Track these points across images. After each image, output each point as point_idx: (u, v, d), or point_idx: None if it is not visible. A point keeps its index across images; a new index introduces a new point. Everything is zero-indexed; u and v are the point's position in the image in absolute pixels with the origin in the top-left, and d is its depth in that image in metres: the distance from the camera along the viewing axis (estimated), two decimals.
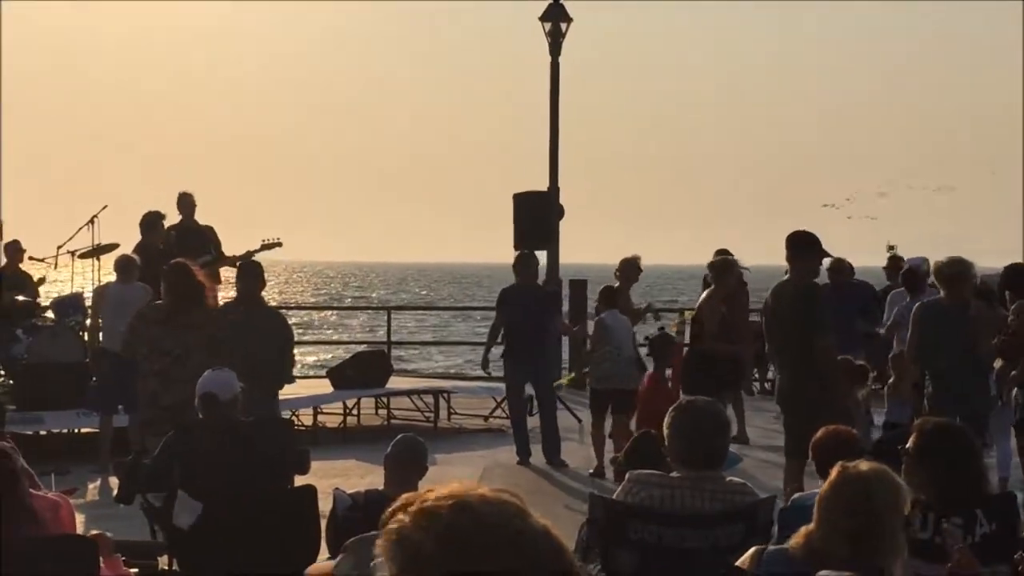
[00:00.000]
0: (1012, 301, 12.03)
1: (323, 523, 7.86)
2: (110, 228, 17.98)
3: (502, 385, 16.44)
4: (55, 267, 18.46)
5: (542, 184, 22.23)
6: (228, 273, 16.02)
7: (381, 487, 7.66)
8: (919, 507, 5.78)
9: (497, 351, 15.65)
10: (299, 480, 8.91)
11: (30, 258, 18.49)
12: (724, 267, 15.35)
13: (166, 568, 8.18)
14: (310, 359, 34.20)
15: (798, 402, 10.70)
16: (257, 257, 16.60)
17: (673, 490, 6.30)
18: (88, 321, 16.26)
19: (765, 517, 6.39)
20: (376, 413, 18.79)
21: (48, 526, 6.37)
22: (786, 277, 11.22)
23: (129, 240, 16.83)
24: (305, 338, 40.24)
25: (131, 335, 11.55)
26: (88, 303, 16.53)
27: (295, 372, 15.02)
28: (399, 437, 7.87)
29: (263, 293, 13.31)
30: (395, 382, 18.83)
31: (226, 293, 16.48)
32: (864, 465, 5.04)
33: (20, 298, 17.31)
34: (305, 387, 18.34)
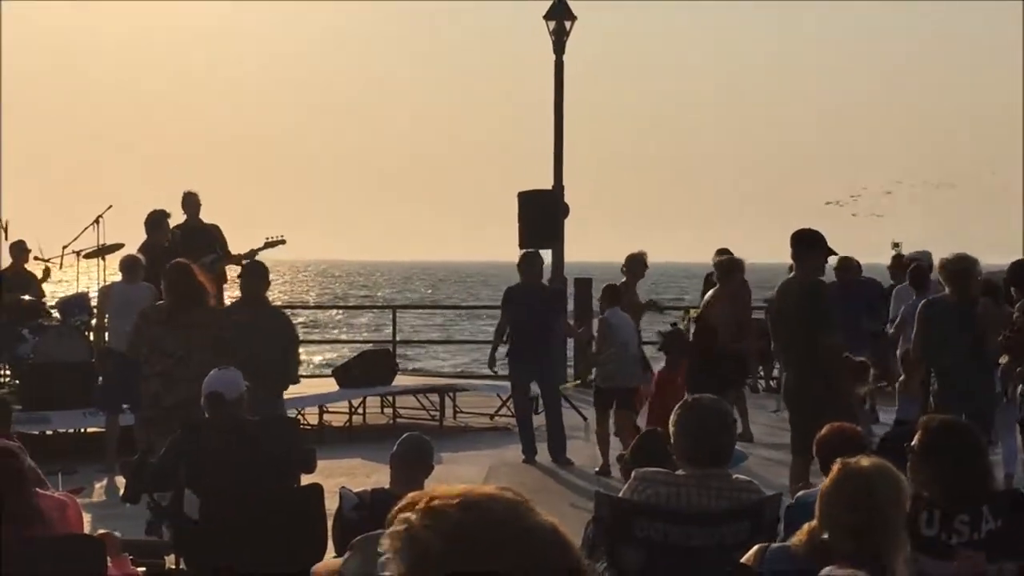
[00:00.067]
0: (1018, 298, 12.04)
1: (329, 522, 7.88)
2: (113, 228, 18.00)
3: (508, 384, 16.45)
4: (60, 267, 18.48)
5: (545, 183, 22.22)
6: (234, 271, 16.02)
7: (387, 486, 7.67)
8: (924, 504, 5.78)
9: (503, 350, 15.66)
10: (305, 479, 8.92)
11: (35, 258, 18.51)
12: (730, 266, 15.37)
13: (173, 567, 8.19)
14: (316, 359, 34.21)
15: (803, 399, 10.70)
16: (260, 255, 16.62)
17: (679, 488, 6.30)
18: (94, 321, 16.28)
19: (771, 515, 6.39)
20: (382, 412, 18.80)
21: (55, 526, 6.38)
22: (792, 275, 11.23)
23: (134, 240, 16.85)
24: (311, 337, 40.27)
25: (136, 336, 11.57)
26: (94, 303, 16.56)
27: (301, 372, 15.03)
28: (405, 436, 7.88)
29: (268, 293, 13.30)
30: (401, 381, 18.83)
31: (232, 292, 16.50)
32: (865, 461, 5.06)
33: (26, 297, 17.34)
34: (311, 386, 18.35)
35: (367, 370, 17.89)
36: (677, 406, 6.54)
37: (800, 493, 6.98)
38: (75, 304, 16.96)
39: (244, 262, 15.43)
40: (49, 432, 15.70)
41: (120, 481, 11.73)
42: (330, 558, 7.59)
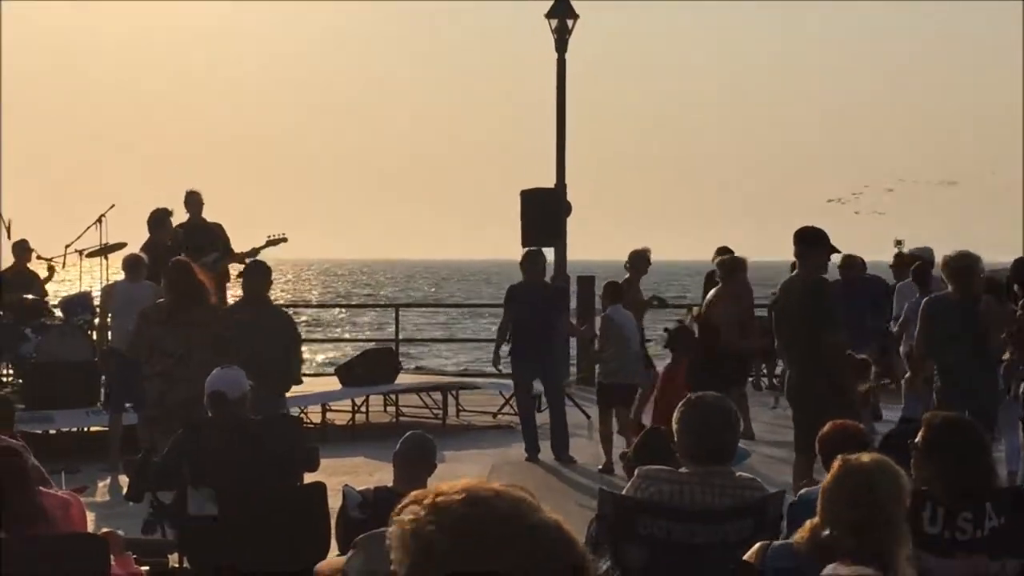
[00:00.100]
0: (1021, 295, 12.03)
1: (332, 520, 7.88)
2: (114, 227, 18.00)
3: (510, 382, 16.46)
4: (63, 266, 18.49)
5: (546, 181, 22.19)
6: (237, 270, 16.02)
7: (390, 484, 7.67)
8: (927, 500, 5.78)
9: (506, 348, 15.66)
10: (308, 477, 8.92)
11: (38, 257, 18.51)
12: (733, 265, 15.37)
13: (176, 566, 8.20)
14: (319, 357, 34.22)
15: (807, 397, 10.70)
16: (263, 254, 16.63)
17: (682, 485, 6.30)
18: (97, 320, 16.29)
19: (774, 512, 6.39)
20: (385, 410, 18.81)
21: (59, 524, 6.39)
22: (795, 273, 11.22)
23: (136, 239, 16.86)
24: (314, 336, 40.27)
25: (136, 336, 11.59)
26: (96, 302, 16.56)
27: (304, 370, 15.03)
28: (408, 434, 7.87)
29: (271, 292, 13.31)
30: (404, 379, 18.83)
31: (235, 291, 16.50)
32: (866, 457, 5.07)
33: (29, 296, 17.35)
34: (314, 385, 18.36)
35: (370, 369, 17.89)
36: (680, 403, 6.54)
37: (803, 491, 6.99)
38: (78, 303, 16.97)
39: (247, 261, 15.43)
40: (52, 431, 15.70)
41: (123, 480, 11.74)
42: (333, 556, 7.59)
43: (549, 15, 23.06)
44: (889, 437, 7.20)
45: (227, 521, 8.06)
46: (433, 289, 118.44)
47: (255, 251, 16.77)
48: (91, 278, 18.38)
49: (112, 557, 6.44)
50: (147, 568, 7.28)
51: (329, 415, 17.84)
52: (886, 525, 4.88)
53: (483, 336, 34.14)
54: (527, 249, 16.26)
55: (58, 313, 17.30)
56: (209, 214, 17.37)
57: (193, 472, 8.39)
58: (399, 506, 2.40)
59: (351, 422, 17.93)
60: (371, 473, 13.25)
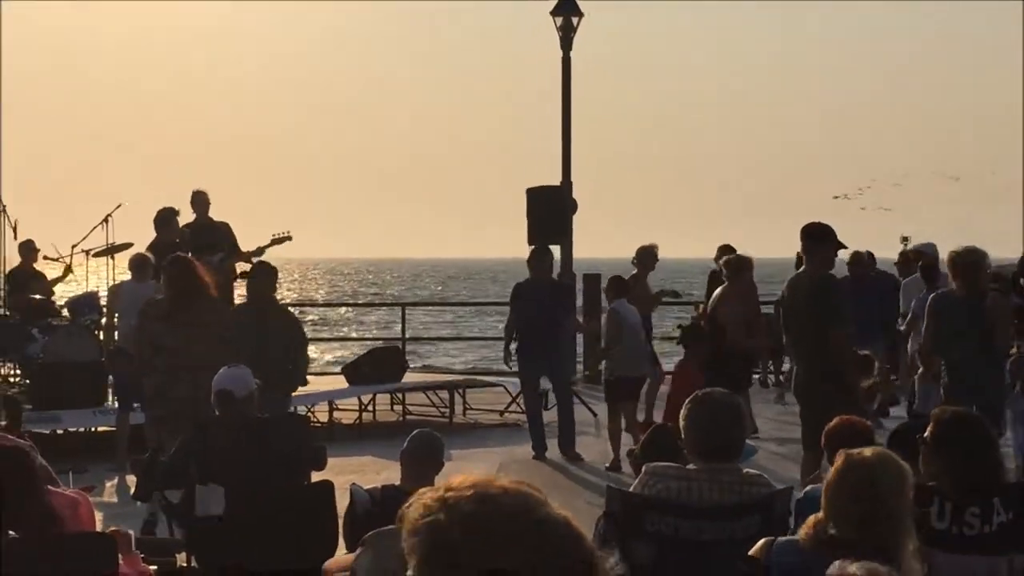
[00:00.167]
0: None
1: (340, 519, 7.88)
2: (121, 227, 18.01)
3: (517, 380, 16.46)
4: (70, 265, 18.50)
5: (549, 180, 22.16)
6: (244, 268, 16.03)
7: (397, 483, 7.67)
8: (934, 495, 5.78)
9: (514, 346, 15.67)
10: (315, 476, 8.92)
11: (45, 258, 18.53)
12: (739, 264, 15.35)
13: (184, 565, 8.20)
14: (327, 356, 34.24)
15: (813, 394, 10.69)
16: (268, 253, 16.64)
17: (690, 482, 6.30)
18: (103, 320, 16.30)
19: (782, 508, 6.39)
20: (391, 409, 18.80)
21: (67, 524, 6.39)
22: (802, 269, 11.21)
23: (141, 239, 16.87)
24: (321, 335, 40.27)
25: (139, 334, 11.60)
26: (103, 302, 16.58)
27: (311, 369, 15.04)
28: (415, 433, 7.87)
29: (278, 291, 13.31)
30: (410, 378, 18.84)
31: (242, 290, 16.51)
32: (868, 451, 5.07)
33: (36, 297, 17.38)
34: (321, 384, 18.36)
35: (377, 367, 17.90)
36: (688, 400, 6.54)
37: (808, 487, 6.98)
38: (85, 303, 16.98)
39: (253, 260, 15.45)
40: (59, 431, 15.72)
41: (131, 479, 11.76)
42: (341, 555, 7.59)
43: (554, 13, 23.08)
44: (896, 433, 7.20)
45: (235, 520, 8.06)
46: (440, 288, 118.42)
47: (260, 250, 16.78)
48: (98, 278, 18.40)
49: (120, 555, 6.44)
50: (155, 567, 7.28)
51: (336, 414, 17.84)
52: (889, 519, 4.88)
53: (490, 334, 34.18)
54: (535, 246, 16.28)
55: (65, 313, 17.32)
56: (212, 214, 17.38)
57: (201, 471, 8.40)
58: (408, 503, 2.40)
59: (358, 421, 17.94)
60: (378, 472, 13.25)
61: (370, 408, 18.28)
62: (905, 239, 20.41)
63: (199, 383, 10.45)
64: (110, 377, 15.65)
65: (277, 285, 13.39)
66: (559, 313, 15.31)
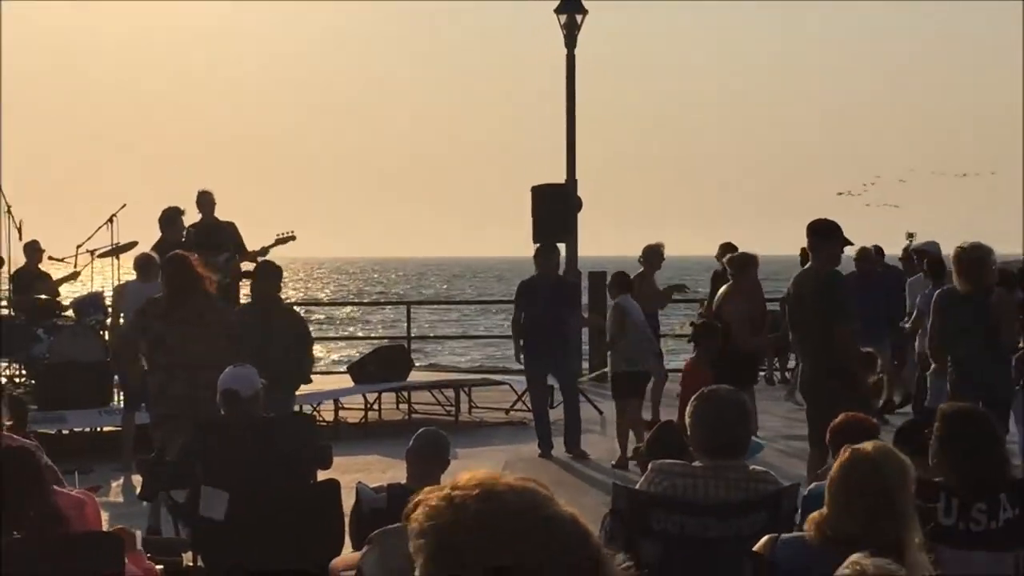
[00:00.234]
0: None
1: (346, 518, 7.87)
2: (125, 228, 17.99)
3: (523, 378, 16.47)
4: (75, 267, 18.51)
5: (552, 178, 22.13)
6: (250, 268, 16.03)
7: (403, 481, 7.66)
8: (941, 492, 5.78)
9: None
10: (321, 475, 8.92)
11: (50, 258, 18.54)
12: (744, 261, 15.31)
13: (191, 564, 8.20)
14: (332, 356, 34.25)
15: (819, 391, 10.68)
16: (272, 252, 16.66)
17: (696, 479, 6.29)
18: (109, 320, 16.31)
19: (788, 505, 6.38)
20: (397, 408, 18.81)
21: (74, 524, 6.38)
22: (808, 266, 11.20)
23: (146, 239, 16.87)
24: (328, 335, 40.32)
25: (131, 330, 11.62)
26: (108, 302, 16.59)
27: (316, 368, 15.04)
28: (421, 431, 7.87)
29: (283, 291, 13.31)
30: (416, 377, 18.84)
31: (247, 289, 16.52)
32: (869, 446, 5.07)
33: (41, 297, 17.39)
34: (326, 383, 18.37)
35: (382, 366, 17.90)
36: (693, 397, 6.53)
37: (813, 484, 6.97)
38: (90, 303, 17.00)
39: (258, 260, 15.46)
40: (65, 431, 15.74)
41: (136, 480, 11.75)
42: (348, 553, 7.59)
43: (559, 10, 23.10)
44: (902, 430, 7.20)
45: (241, 520, 8.06)
46: (445, 286, 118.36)
47: (265, 250, 16.79)
48: (103, 278, 18.41)
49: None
50: (161, 567, 7.29)
51: (342, 413, 17.85)
52: (893, 512, 4.87)
53: (496, 333, 34.17)
54: (540, 244, 16.28)
55: (70, 313, 17.33)
56: (216, 214, 17.38)
57: (207, 471, 8.40)
58: (414, 502, 2.40)
59: (364, 420, 17.95)
60: (384, 470, 13.25)
61: (376, 407, 18.29)
62: (911, 235, 20.31)
63: (197, 382, 10.44)
64: (116, 377, 15.66)
65: (282, 285, 13.38)
66: (564, 311, 15.31)
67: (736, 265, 15.24)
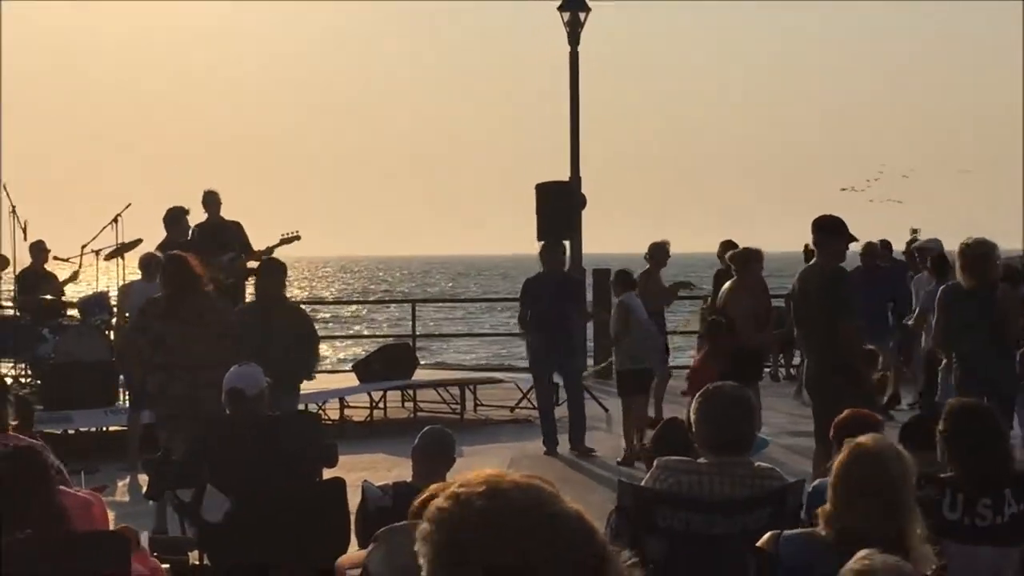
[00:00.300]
0: None
1: (352, 516, 7.88)
2: (130, 228, 17.99)
3: (528, 376, 16.48)
4: (80, 266, 18.52)
5: (557, 175, 22.09)
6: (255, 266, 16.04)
7: (409, 480, 7.67)
8: (946, 487, 5.79)
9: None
10: (327, 473, 8.93)
11: (55, 258, 18.55)
12: (747, 257, 15.31)
13: (197, 563, 8.22)
14: (338, 354, 34.25)
15: (824, 387, 10.68)
16: (277, 252, 16.65)
17: (701, 476, 6.30)
18: (114, 320, 16.33)
19: (794, 501, 6.38)
20: (402, 406, 18.81)
21: (80, 524, 6.40)
22: (813, 261, 11.20)
23: (150, 239, 16.89)
24: (334, 333, 40.31)
25: (132, 331, 11.62)
26: (113, 302, 16.60)
27: (321, 367, 15.04)
28: (426, 429, 7.88)
29: (288, 289, 13.30)
30: (421, 375, 18.85)
31: (252, 289, 16.53)
32: (871, 440, 5.07)
33: (47, 297, 17.41)
34: (331, 381, 18.36)
35: (388, 364, 17.90)
36: (698, 394, 6.54)
37: (817, 480, 6.98)
38: (95, 303, 17.01)
39: (263, 259, 15.46)
40: (71, 431, 15.75)
41: (143, 479, 11.77)
42: (354, 551, 7.60)
43: (562, 8, 23.09)
44: (908, 425, 7.20)
45: (247, 518, 8.07)
46: (450, 284, 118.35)
47: (270, 250, 16.78)
48: (108, 278, 18.42)
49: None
50: (168, 565, 7.30)
51: (347, 411, 17.86)
52: (896, 506, 4.88)
53: (502, 330, 34.16)
54: (546, 240, 16.29)
55: (75, 313, 17.35)
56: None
57: (212, 470, 8.41)
58: (421, 499, 2.41)
59: (369, 418, 17.95)
60: (390, 468, 13.25)
61: (381, 405, 18.29)
62: (915, 231, 20.30)
63: (197, 382, 10.46)
64: (121, 377, 15.67)
65: (286, 283, 13.36)
66: (569, 307, 15.31)
67: (739, 261, 15.24)
